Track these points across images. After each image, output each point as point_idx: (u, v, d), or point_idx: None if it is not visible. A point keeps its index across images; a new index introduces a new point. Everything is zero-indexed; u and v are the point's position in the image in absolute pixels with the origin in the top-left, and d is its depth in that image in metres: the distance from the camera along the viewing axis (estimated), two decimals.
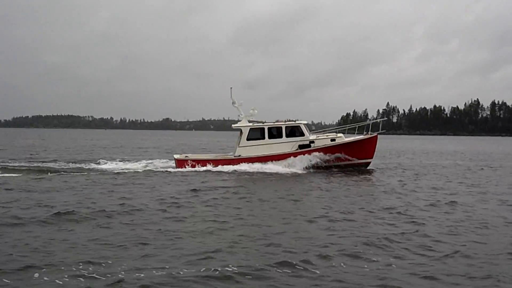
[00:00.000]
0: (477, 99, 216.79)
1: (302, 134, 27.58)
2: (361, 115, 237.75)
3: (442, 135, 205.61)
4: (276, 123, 27.79)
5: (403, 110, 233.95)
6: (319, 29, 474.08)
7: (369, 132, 28.98)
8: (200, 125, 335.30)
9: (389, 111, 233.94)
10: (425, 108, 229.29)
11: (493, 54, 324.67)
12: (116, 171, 24.71)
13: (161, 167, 27.31)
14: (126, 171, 25.15)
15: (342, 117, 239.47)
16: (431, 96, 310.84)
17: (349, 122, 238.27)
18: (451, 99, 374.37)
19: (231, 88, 28.51)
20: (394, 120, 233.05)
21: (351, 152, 27.77)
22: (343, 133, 31.31)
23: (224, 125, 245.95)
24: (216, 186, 19.07)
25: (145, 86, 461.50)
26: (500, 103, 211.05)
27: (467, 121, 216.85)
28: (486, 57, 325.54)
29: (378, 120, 29.59)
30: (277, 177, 23.12)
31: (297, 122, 27.99)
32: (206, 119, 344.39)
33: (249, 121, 28.45)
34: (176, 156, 27.97)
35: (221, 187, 18.79)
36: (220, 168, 26.11)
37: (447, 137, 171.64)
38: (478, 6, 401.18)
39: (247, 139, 27.32)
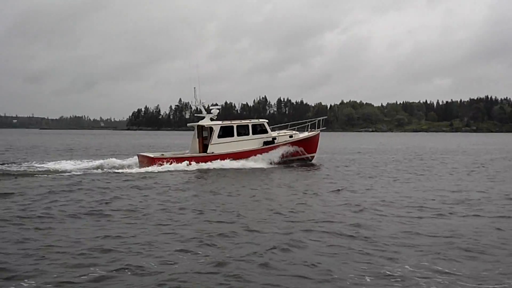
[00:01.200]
0: (265, 96, 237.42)
1: (266, 132, 29.93)
2: (153, 111, 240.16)
3: None
4: (243, 121, 29.63)
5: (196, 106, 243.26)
6: (111, 21, 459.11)
7: (315, 129, 32.54)
8: None
9: (181, 107, 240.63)
10: (216, 104, 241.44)
11: (280, 54, 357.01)
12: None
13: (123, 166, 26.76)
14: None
15: (133, 113, 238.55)
16: (223, 93, 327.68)
17: (141, 118, 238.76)
18: (242, 96, 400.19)
19: (194, 88, 29.61)
20: (187, 116, 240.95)
21: (305, 147, 31.00)
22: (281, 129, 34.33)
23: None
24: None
25: None
26: (285, 99, 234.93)
27: (256, 117, 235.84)
28: (274, 56, 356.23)
29: (319, 118, 33.21)
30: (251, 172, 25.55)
31: (260, 120, 30.33)
32: None
33: (211, 119, 29.85)
34: (150, 155, 27.62)
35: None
36: (196, 165, 26.76)
37: None
38: (267, 7, 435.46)
39: (218, 137, 28.48)
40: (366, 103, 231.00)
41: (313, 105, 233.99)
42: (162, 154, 28.46)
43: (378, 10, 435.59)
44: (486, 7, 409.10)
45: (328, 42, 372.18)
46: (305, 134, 31.52)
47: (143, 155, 27.91)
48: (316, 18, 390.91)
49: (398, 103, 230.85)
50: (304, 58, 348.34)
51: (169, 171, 25.14)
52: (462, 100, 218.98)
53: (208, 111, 30.29)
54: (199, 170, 25.59)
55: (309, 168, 28.62)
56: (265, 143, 29.52)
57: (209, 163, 27.07)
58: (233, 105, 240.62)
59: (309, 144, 31.35)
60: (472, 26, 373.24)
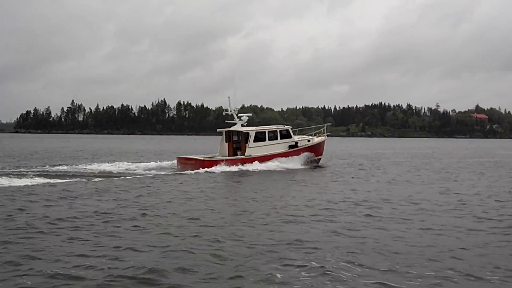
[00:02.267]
0: (164, 99, 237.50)
1: (290, 136, 33.88)
2: (43, 113, 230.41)
3: (130, 134, 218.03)
4: (272, 127, 33.57)
5: (90, 108, 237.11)
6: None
7: (324, 134, 37.09)
8: None
9: (74, 109, 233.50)
10: (112, 107, 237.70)
11: (181, 56, 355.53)
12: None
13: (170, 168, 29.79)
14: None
15: (22, 115, 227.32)
16: (120, 95, 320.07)
17: (29, 120, 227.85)
18: (140, 98, 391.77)
19: (229, 97, 33.01)
20: (80, 118, 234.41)
21: (316, 151, 35.40)
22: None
23: None
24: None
25: None
26: (185, 103, 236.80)
27: (155, 120, 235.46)
28: (175, 59, 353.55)
29: (326, 125, 37.82)
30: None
31: (285, 126, 34.43)
32: None
33: (241, 125, 33.45)
34: (199, 157, 30.50)
35: None
36: (241, 167, 30.26)
37: (137, 136, 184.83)
38: (168, 9, 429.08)
39: (254, 141, 32.05)
40: (267, 107, 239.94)
41: (214, 109, 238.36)
42: (211, 157, 31.53)
43: (280, 16, 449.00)
44: (382, 17, 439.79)
45: (231, 46, 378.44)
46: (318, 139, 35.85)
47: (189, 158, 30.65)
48: (219, 22, 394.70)
49: (298, 108, 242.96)
50: (206, 62, 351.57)
51: (224, 172, 28.41)
52: (358, 106, 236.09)
53: (239, 118, 33.64)
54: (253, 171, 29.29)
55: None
56: (290, 146, 33.48)
57: (250, 164, 30.67)
58: (130, 108, 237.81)
59: (319, 148, 35.75)
60: (369, 36, 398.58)
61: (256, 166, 30.29)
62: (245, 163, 30.48)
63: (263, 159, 31.38)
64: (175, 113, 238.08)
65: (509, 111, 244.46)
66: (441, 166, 37.74)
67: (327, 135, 37.56)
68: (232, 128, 32.90)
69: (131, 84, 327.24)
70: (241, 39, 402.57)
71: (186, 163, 30.06)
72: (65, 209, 15.14)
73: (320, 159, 36.21)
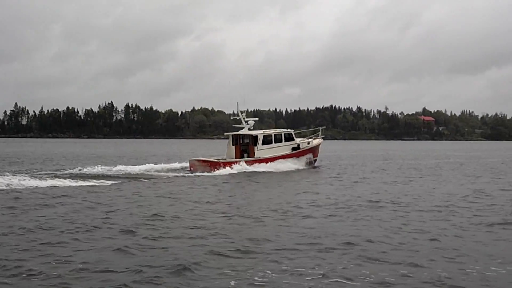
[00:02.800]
0: (111, 101, 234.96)
1: (293, 139, 36.32)
2: None
3: (76, 137, 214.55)
4: (277, 130, 35.87)
5: (34, 111, 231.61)
6: None
7: (320, 137, 39.81)
8: None
9: (17, 112, 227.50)
10: (57, 109, 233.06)
11: (130, 58, 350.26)
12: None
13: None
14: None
15: None
16: (66, 98, 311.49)
17: None
18: (87, 101, 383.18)
19: (237, 102, 35.12)
20: (24, 122, 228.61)
21: (315, 152, 38.04)
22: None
23: None
24: None
25: None
26: (134, 106, 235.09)
27: (102, 123, 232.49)
28: (124, 61, 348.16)
29: (320, 128, 40.59)
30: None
31: (289, 130, 36.93)
32: None
33: (248, 129, 35.72)
34: (212, 159, 32.48)
35: None
36: (252, 167, 32.54)
37: (86, 140, 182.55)
38: (117, 9, 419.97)
39: (262, 144, 34.30)
40: (218, 110, 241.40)
41: (163, 111, 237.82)
42: (224, 159, 33.61)
43: (232, 18, 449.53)
44: (333, 21, 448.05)
45: (182, 48, 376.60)
46: (316, 141, 38.49)
47: (203, 160, 32.62)
48: (170, 23, 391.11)
49: (250, 110, 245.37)
50: (156, 64, 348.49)
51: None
52: (309, 109, 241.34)
53: (246, 122, 35.89)
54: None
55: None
56: (293, 149, 35.90)
57: (263, 164, 33.03)
58: (76, 110, 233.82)
59: (316, 150, 38.39)
60: (320, 39, 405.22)
61: (270, 166, 32.65)
62: (260, 163, 32.81)
63: (272, 160, 33.75)
64: (123, 116, 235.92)
65: (454, 114, 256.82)
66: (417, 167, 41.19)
67: (323, 138, 40.23)
68: (240, 132, 35.00)
69: (77, 86, 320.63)
70: (192, 41, 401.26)
71: (201, 165, 31.82)
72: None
73: (316, 160, 38.82)
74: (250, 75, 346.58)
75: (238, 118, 36.43)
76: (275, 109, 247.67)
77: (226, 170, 30.91)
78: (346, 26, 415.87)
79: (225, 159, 34.31)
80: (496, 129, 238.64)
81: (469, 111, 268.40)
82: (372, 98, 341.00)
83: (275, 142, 35.26)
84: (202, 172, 30.51)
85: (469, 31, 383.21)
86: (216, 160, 32.20)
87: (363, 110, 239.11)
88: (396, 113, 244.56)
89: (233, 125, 37.30)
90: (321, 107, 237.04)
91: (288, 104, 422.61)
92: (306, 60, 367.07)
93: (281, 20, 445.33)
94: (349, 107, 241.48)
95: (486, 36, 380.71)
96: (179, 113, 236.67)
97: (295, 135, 36.91)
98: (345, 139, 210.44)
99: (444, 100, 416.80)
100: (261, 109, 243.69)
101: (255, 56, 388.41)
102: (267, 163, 33.32)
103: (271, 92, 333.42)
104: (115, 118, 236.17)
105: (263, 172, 31.35)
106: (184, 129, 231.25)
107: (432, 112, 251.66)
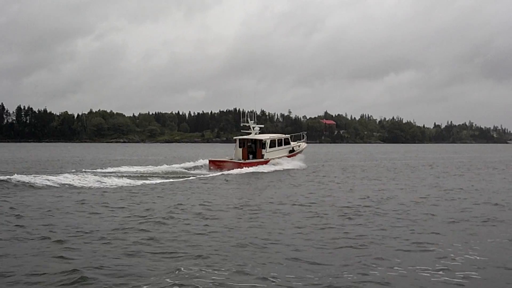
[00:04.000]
0: (2, 103, 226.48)
1: (289, 143, 43.30)
2: None
3: None
4: (279, 135, 42.73)
5: None
6: None
7: (305, 141, 47.17)
8: None
9: None
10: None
11: (25, 58, 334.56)
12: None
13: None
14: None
15: None
16: None
17: None
18: None
19: (248, 112, 41.40)
20: None
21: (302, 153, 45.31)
22: None
23: None
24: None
25: None
26: (26, 108, 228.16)
27: None
28: (18, 61, 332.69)
29: (303, 132, 47.97)
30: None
31: (286, 135, 43.84)
32: None
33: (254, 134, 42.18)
34: (234, 159, 38.46)
35: None
36: (262, 167, 38.95)
37: None
38: (13, 7, 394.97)
39: (269, 147, 40.94)
40: (117, 113, 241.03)
41: (58, 114, 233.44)
42: (239, 159, 39.77)
43: (135, 19, 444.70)
44: (239, 24, 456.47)
45: (80, 48, 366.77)
46: (304, 145, 45.77)
47: (221, 160, 38.62)
48: (68, 22, 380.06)
49: (151, 113, 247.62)
50: (52, 64, 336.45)
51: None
52: (213, 112, 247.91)
53: (253, 129, 42.22)
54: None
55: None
56: (290, 151, 42.86)
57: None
58: None
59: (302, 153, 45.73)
60: (226, 42, 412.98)
61: (281, 165, 39.33)
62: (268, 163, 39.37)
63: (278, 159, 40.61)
64: (15, 118, 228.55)
65: (354, 117, 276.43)
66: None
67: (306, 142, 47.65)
68: (248, 136, 41.21)
69: None
70: (92, 40, 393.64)
71: (220, 165, 37.82)
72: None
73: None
74: (154, 77, 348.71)
75: (247, 125, 42.62)
76: (178, 112, 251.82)
77: (249, 168, 37.09)
78: (252, 29, 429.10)
79: (233, 159, 40.51)
80: (393, 132, 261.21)
81: (368, 115, 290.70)
82: (277, 102, 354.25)
83: (278, 146, 41.93)
84: (222, 171, 36.25)
85: (370, 38, 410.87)
86: (237, 161, 38.71)
87: (267, 114, 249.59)
88: (299, 117, 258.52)
89: (241, 130, 43.22)
90: (225, 110, 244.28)
91: (192, 107, 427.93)
92: (212, 62, 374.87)
93: (186, 21, 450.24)
94: (253, 110, 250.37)
95: (385, 43, 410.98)
96: (75, 116, 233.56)
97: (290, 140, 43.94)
98: None
99: (345, 104, 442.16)
100: (163, 112, 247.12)
101: (159, 58, 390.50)
102: (276, 163, 39.98)
103: (174, 95, 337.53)
104: (5, 121, 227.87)
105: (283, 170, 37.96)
106: (80, 132, 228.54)
107: (334, 115, 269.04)
